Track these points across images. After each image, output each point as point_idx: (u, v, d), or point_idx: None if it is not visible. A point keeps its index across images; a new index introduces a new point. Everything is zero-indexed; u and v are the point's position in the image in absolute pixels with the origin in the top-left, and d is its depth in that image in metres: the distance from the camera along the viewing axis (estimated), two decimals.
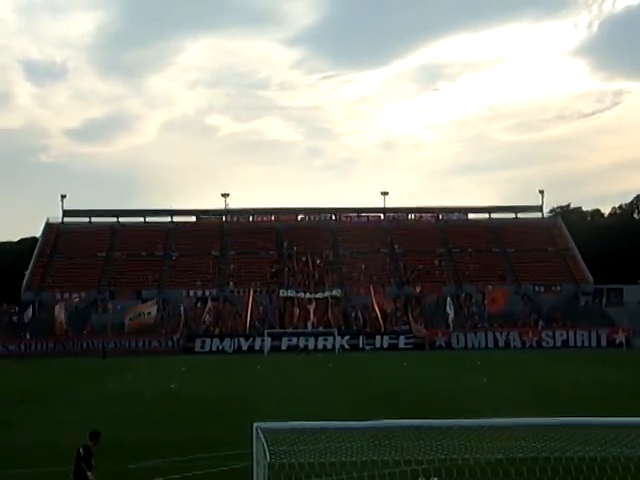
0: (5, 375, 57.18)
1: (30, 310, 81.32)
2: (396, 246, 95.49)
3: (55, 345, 76.05)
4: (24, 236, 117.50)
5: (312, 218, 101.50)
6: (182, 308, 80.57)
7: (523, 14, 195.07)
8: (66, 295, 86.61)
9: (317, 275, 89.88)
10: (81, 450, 15.96)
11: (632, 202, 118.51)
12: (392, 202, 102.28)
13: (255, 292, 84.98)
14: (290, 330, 78.85)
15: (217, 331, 79.75)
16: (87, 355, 73.11)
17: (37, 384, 48.69)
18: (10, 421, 31.24)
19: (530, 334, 77.94)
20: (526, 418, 13.33)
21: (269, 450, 12.01)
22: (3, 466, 21.71)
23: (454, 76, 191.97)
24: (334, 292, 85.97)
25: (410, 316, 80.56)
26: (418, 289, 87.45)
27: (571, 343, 76.91)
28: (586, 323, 78.96)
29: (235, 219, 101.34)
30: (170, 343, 77.13)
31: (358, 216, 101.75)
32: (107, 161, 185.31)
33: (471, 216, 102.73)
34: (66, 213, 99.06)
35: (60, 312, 77.49)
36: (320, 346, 76.14)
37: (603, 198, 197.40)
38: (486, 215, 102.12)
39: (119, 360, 66.90)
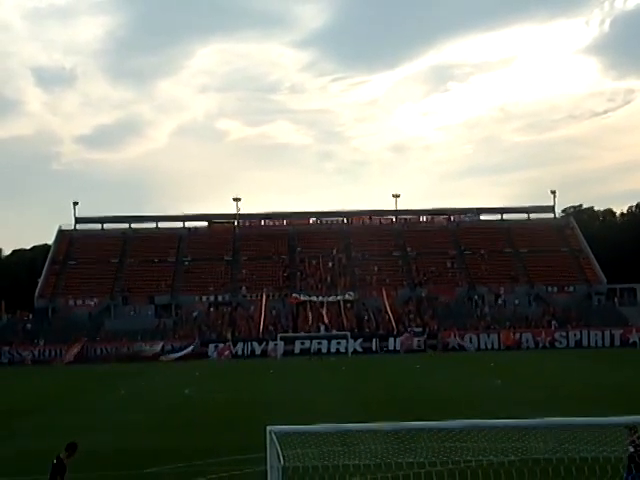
0: (15, 383, 57.37)
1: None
2: (408, 248, 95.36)
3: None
4: (37, 243, 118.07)
5: (324, 221, 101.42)
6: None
7: (534, 13, 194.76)
8: (79, 302, 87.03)
9: (329, 278, 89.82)
10: (54, 461, 15.31)
11: None
12: (404, 204, 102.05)
13: (268, 296, 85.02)
14: (303, 334, 78.82)
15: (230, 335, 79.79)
16: (101, 361, 73.28)
17: (49, 391, 48.81)
18: (21, 430, 31.33)
19: (543, 334, 77.72)
20: (540, 419, 13.29)
21: (283, 454, 12.02)
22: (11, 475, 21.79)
23: (465, 77, 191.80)
24: (347, 295, 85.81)
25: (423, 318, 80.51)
26: (430, 291, 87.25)
27: (584, 343, 76.60)
28: (599, 323, 78.71)
29: (247, 224, 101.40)
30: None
31: (370, 219, 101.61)
32: (118, 167, 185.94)
33: (483, 217, 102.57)
34: (78, 220, 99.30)
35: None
36: (333, 349, 76.09)
37: (615, 198, 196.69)
38: (498, 216, 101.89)
39: (132, 365, 67.01)
